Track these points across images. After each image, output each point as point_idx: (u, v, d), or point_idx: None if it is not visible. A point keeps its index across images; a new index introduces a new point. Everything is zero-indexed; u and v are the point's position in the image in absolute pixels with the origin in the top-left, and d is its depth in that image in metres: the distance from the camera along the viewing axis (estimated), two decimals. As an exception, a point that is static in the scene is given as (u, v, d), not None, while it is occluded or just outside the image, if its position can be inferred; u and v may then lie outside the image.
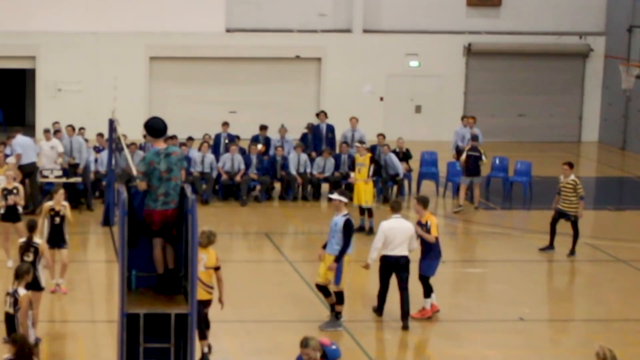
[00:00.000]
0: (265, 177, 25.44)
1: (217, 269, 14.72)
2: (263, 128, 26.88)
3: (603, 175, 31.58)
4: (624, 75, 31.86)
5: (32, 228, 15.28)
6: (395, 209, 16.76)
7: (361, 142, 23.96)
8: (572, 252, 20.71)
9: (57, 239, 17.37)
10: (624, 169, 32.04)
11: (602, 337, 15.77)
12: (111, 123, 22.21)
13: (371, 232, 21.16)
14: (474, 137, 25.57)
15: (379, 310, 16.94)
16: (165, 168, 11.31)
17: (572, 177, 20.55)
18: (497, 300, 18.05)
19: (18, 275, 13.12)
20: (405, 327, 16.35)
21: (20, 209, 18.87)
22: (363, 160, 22.61)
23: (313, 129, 27.37)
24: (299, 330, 16.09)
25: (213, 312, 16.67)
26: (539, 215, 23.89)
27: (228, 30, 34.34)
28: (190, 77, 34.36)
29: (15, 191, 18.74)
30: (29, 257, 15.01)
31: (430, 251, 16.77)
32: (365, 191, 22.31)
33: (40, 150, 23.66)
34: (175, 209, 11.40)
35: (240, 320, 16.67)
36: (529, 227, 23.48)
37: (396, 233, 16.31)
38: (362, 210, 22.31)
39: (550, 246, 20.84)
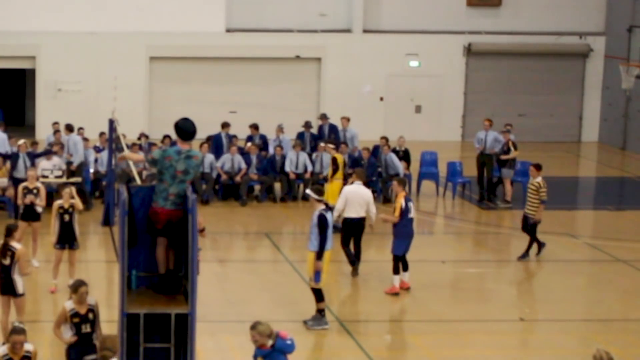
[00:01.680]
0: (266, 177, 25.45)
1: (201, 230, 15.14)
2: (254, 127, 27.01)
3: (603, 175, 31.59)
4: (624, 75, 31.88)
5: (9, 232, 14.91)
6: (360, 176, 19.19)
7: (328, 142, 24.17)
8: (523, 255, 20.44)
9: (68, 238, 17.39)
10: (624, 169, 32.04)
11: (602, 337, 15.80)
12: (111, 123, 22.21)
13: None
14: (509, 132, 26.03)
15: (353, 267, 19.19)
16: (183, 169, 11.38)
17: (538, 179, 20.32)
18: (497, 300, 18.05)
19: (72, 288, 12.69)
20: (354, 274, 19.05)
21: (39, 209, 18.82)
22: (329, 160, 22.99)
23: (318, 130, 27.53)
24: (298, 330, 16.12)
25: (213, 312, 16.69)
26: (539, 215, 23.87)
27: (228, 30, 34.35)
28: (190, 77, 34.37)
29: (35, 191, 18.71)
30: (6, 261, 14.74)
31: (396, 231, 17.84)
32: (327, 190, 22.49)
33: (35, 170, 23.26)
34: (180, 211, 11.44)
35: (240, 320, 16.66)
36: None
37: (356, 197, 18.61)
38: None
39: (526, 253, 20.62)
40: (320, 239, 15.97)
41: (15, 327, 11.17)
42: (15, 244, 14.89)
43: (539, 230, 21.32)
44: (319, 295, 16.27)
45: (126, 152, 11.67)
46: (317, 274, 16.11)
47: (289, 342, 11.02)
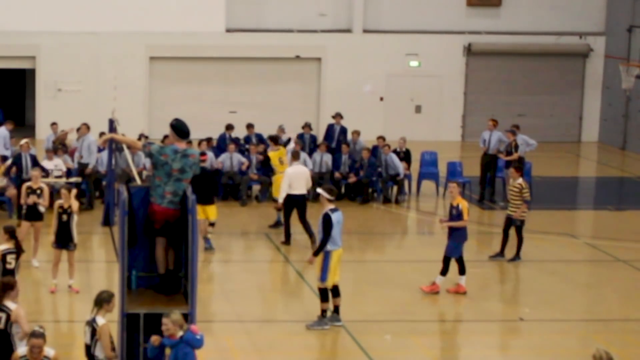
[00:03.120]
0: (266, 177, 25.43)
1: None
2: (250, 126, 27.11)
3: (603, 175, 31.58)
4: (624, 75, 31.86)
5: (12, 233, 14.84)
6: (296, 157, 21.45)
7: (270, 138, 24.76)
8: (515, 257, 20.29)
9: (64, 239, 17.35)
10: (624, 169, 32.04)
11: (602, 337, 15.80)
12: (111, 123, 22.21)
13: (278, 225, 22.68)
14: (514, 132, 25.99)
15: (287, 241, 21.20)
16: (180, 168, 11.40)
17: (519, 180, 20.22)
18: (497, 300, 18.05)
19: (98, 302, 11.64)
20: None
21: (42, 209, 18.80)
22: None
23: (327, 129, 27.63)
24: (298, 330, 16.13)
25: (213, 312, 16.70)
26: (538, 215, 23.89)
27: (228, 30, 34.34)
28: (190, 77, 34.36)
29: (38, 191, 18.71)
30: (11, 264, 14.68)
31: (457, 234, 17.93)
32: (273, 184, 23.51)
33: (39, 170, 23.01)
34: (177, 210, 11.44)
35: (240, 320, 16.68)
36: (528, 227, 23.40)
37: (297, 177, 20.74)
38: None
39: (501, 253, 20.48)
40: (324, 239, 15.89)
41: (35, 331, 10.92)
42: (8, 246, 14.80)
43: (541, 230, 21.36)
44: (324, 294, 16.18)
45: (116, 135, 11.52)
46: (323, 273, 15.98)
47: (198, 336, 11.07)
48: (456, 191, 18.16)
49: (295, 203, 20.81)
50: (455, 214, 17.93)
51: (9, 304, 12.15)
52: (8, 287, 12.20)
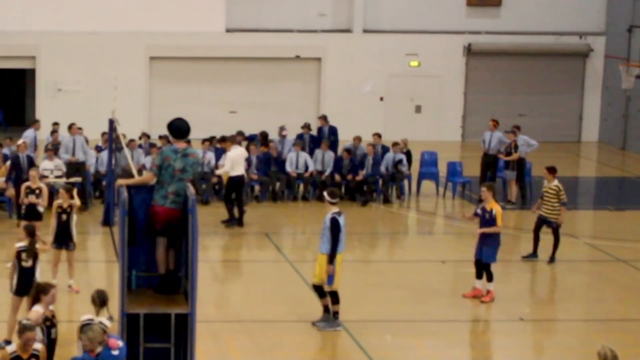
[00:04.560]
0: (266, 177, 25.42)
1: None
2: (264, 136, 27.11)
3: (603, 175, 31.58)
4: (624, 75, 31.87)
5: (32, 233, 14.93)
6: (235, 142, 22.91)
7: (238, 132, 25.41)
8: (552, 258, 20.25)
9: (64, 238, 17.37)
10: (624, 169, 32.04)
11: (602, 337, 15.77)
12: (111, 123, 22.21)
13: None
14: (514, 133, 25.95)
15: (230, 222, 22.52)
16: (181, 167, 11.40)
17: (555, 182, 20.14)
18: (497, 300, 18.04)
19: (101, 302, 11.78)
20: (240, 225, 22.51)
21: (41, 209, 18.80)
22: None
23: (318, 131, 27.67)
24: (299, 330, 16.13)
25: (214, 313, 16.68)
26: (539, 215, 23.87)
27: (228, 30, 34.35)
28: (190, 77, 34.37)
29: (37, 191, 18.73)
30: (28, 263, 14.76)
31: (491, 239, 17.66)
32: None
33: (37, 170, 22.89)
34: (179, 210, 11.44)
35: (240, 320, 16.68)
36: (529, 227, 23.41)
37: (238, 159, 22.38)
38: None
39: (534, 254, 20.50)
40: (333, 242, 15.87)
41: (26, 325, 10.96)
42: (37, 245, 14.97)
43: (541, 230, 21.33)
44: (334, 297, 16.16)
45: (125, 180, 11.37)
46: (329, 277, 15.97)
47: (115, 352, 10.65)
48: (488, 195, 17.77)
49: (237, 184, 22.39)
50: (489, 219, 17.61)
51: (37, 307, 11.82)
52: (41, 292, 11.88)
